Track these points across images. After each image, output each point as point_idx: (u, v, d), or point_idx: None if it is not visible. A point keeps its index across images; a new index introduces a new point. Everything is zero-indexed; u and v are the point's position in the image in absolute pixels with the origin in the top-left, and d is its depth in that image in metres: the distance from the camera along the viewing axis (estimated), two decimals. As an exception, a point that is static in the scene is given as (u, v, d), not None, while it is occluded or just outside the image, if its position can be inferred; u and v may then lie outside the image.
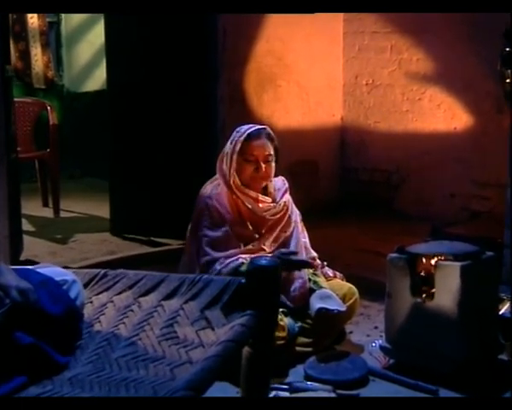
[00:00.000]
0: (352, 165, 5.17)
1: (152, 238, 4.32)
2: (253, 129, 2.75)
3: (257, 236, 2.76)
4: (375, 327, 3.08)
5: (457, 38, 4.45)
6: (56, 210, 5.14)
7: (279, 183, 2.90)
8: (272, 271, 1.79)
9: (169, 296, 1.79)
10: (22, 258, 3.84)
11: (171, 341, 1.59)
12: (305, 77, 4.83)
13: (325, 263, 3.01)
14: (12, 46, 6.55)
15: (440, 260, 2.52)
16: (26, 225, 4.74)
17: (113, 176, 4.56)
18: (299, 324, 2.71)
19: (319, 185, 5.07)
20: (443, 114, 4.65)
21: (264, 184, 2.79)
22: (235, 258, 2.60)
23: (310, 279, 2.79)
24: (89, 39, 6.85)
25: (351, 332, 3.03)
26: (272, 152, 2.76)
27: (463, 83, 4.51)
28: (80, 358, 1.51)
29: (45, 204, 5.42)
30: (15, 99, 5.29)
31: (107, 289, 1.82)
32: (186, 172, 4.20)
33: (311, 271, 2.84)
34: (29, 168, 5.63)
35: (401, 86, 4.85)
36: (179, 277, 1.85)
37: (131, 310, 1.73)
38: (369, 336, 3.01)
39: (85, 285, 1.84)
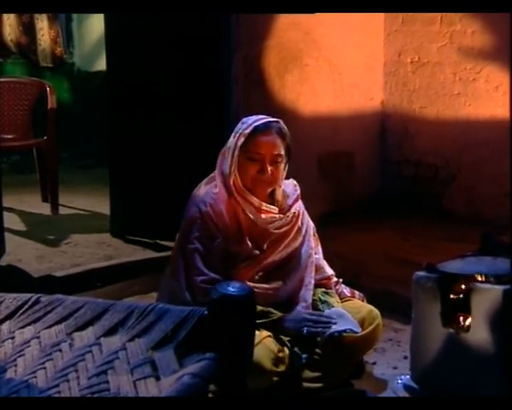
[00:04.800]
0: (393, 157, 5.07)
1: (157, 241, 4.20)
2: (262, 121, 2.54)
3: (257, 252, 2.54)
4: (405, 357, 2.89)
5: (520, 7, 4.19)
6: (54, 206, 5.05)
7: (289, 188, 2.69)
8: (243, 301, 1.57)
9: (111, 331, 1.57)
10: (3, 263, 3.74)
11: (99, 395, 1.37)
12: (338, 54, 4.69)
13: (340, 280, 2.77)
14: (14, 19, 6.51)
15: (478, 281, 2.34)
16: (17, 224, 4.72)
17: (113, 169, 4.47)
18: (305, 355, 2.48)
19: (354, 181, 4.97)
20: (502, 97, 4.48)
21: (269, 189, 2.58)
22: None
23: (319, 299, 2.58)
24: (102, 12, 6.74)
25: (374, 363, 2.86)
26: (282, 152, 2.55)
27: (527, 60, 4.27)
28: (-24, 417, 1.30)
29: (45, 199, 5.32)
30: (8, 79, 5.24)
31: (35, 321, 1.60)
32: (196, 167, 4.04)
33: (321, 289, 2.64)
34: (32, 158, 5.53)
35: (452, 64, 4.70)
36: (127, 305, 1.63)
37: (59, 350, 1.51)
38: (396, 368, 2.85)
39: (11, 315, 1.63)
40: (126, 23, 4.15)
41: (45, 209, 5.12)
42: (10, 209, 4.96)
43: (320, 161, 4.69)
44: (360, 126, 4.93)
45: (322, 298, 2.60)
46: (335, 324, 2.42)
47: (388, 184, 5.06)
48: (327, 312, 2.52)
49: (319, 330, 2.42)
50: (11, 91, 5.09)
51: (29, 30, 6.62)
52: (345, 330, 2.42)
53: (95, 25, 6.91)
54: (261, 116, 2.59)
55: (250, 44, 4.23)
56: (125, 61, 4.23)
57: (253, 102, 4.17)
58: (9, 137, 4.96)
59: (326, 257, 2.84)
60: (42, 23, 6.67)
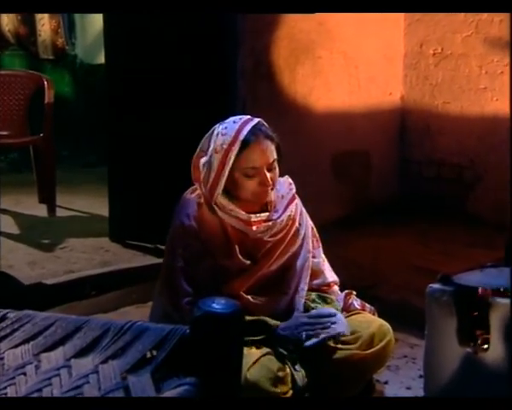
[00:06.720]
0: (413, 157, 5.06)
1: (158, 246, 4.12)
2: (247, 131, 2.39)
3: (250, 263, 2.48)
4: (420, 376, 2.80)
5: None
6: (51, 208, 5.05)
7: (284, 187, 2.58)
8: (228, 319, 1.50)
9: (83, 352, 1.52)
10: (-7, 268, 3.71)
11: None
12: (354, 45, 4.68)
13: (354, 293, 2.70)
14: (12, 8, 6.50)
15: (498, 296, 2.25)
16: (11, 227, 4.74)
17: (112, 170, 4.45)
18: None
19: (371, 183, 4.97)
20: (532, 92, 4.41)
21: (269, 192, 2.50)
22: None
23: (312, 301, 2.55)
24: (106, 1, 6.73)
25: (386, 382, 2.80)
26: (275, 155, 2.45)
27: (559, 52, 4.26)
28: None
29: (42, 200, 5.31)
30: (3, 72, 5.22)
31: (0, 340, 1.55)
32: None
33: (316, 293, 2.59)
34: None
35: (478, 56, 4.69)
36: (103, 323, 1.57)
37: (23, 373, 1.45)
38: (409, 388, 2.80)
39: (-25, 333, 1.58)
40: (126, 19, 4.13)
41: (42, 211, 5.12)
42: (5, 211, 4.96)
43: (334, 160, 4.67)
44: (378, 123, 4.91)
45: (313, 304, 2.55)
46: (334, 323, 2.38)
47: (408, 185, 5.05)
48: (318, 310, 2.48)
49: (318, 331, 2.37)
50: (6, 85, 5.09)
51: (28, 20, 6.63)
52: (333, 336, 2.38)
53: (98, 15, 6.91)
54: (238, 120, 2.43)
55: (258, 35, 4.19)
56: (126, 59, 4.22)
57: (261, 97, 4.15)
58: (4, 134, 4.96)
59: (339, 264, 2.79)
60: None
